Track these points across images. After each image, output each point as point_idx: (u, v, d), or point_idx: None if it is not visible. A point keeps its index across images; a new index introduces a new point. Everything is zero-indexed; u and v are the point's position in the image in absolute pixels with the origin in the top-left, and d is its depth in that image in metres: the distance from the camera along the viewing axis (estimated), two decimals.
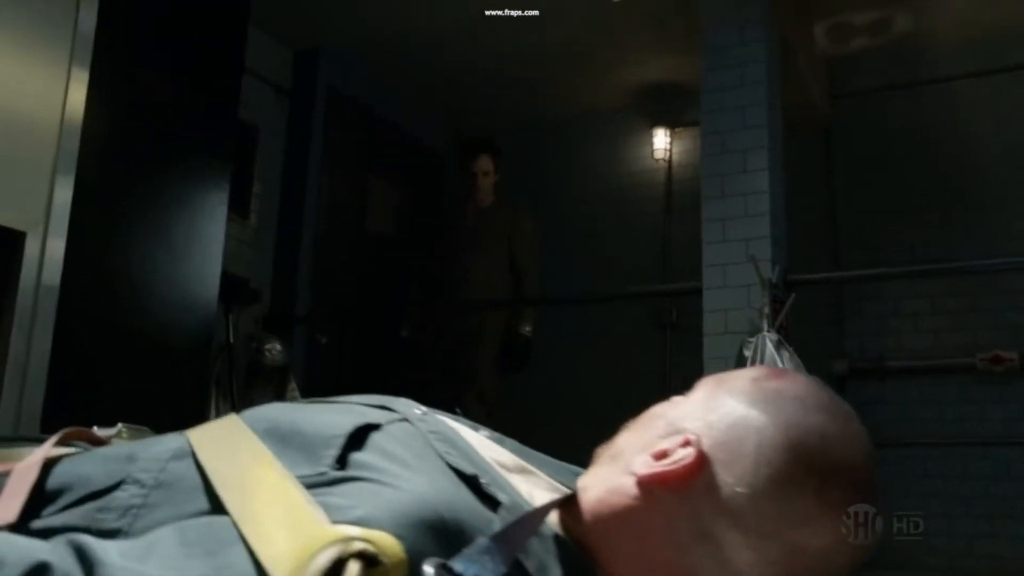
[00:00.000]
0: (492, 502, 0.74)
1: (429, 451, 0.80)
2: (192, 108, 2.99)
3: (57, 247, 2.41)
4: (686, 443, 0.78)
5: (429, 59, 4.79)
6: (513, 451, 0.92)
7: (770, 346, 2.82)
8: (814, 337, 3.84)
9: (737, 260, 3.32)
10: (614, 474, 0.82)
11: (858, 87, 4.76)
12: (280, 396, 4.04)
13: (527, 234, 4.55)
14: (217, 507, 0.72)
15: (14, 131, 2.33)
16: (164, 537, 0.68)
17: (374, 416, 0.83)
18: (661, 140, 5.25)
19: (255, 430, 0.83)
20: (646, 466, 0.79)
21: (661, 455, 0.79)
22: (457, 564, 0.62)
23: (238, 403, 3.80)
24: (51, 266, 2.38)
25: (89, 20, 2.52)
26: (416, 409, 0.90)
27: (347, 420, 0.81)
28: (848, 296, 4.60)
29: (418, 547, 0.62)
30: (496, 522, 0.71)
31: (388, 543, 0.61)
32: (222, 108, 3.13)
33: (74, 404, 2.43)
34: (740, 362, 2.87)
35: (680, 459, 0.77)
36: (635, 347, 4.94)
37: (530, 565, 0.71)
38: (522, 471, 0.88)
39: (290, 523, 0.64)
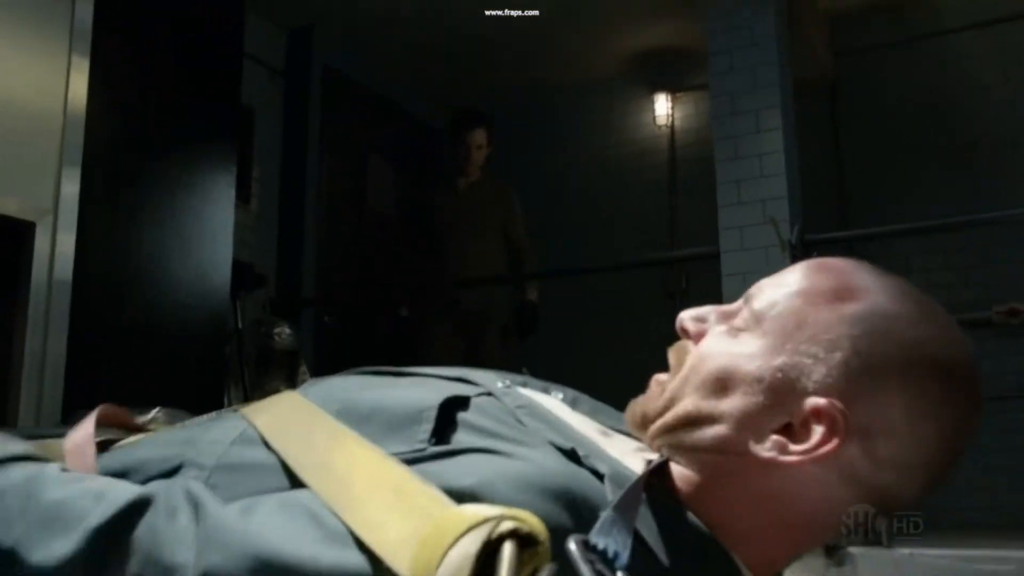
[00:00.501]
0: (594, 474, 0.69)
1: (522, 427, 0.76)
2: (193, 93, 2.94)
3: (67, 241, 2.37)
4: (817, 413, 0.70)
5: (422, 32, 4.71)
6: (589, 412, 0.88)
7: None
8: None
9: (753, 222, 3.28)
10: (717, 449, 0.73)
11: (862, 43, 4.69)
12: (292, 380, 4.01)
13: (518, 213, 4.47)
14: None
15: (18, 123, 2.29)
16: (263, 500, 0.66)
17: (459, 390, 0.79)
18: (662, 106, 5.19)
19: (326, 409, 0.78)
20: (782, 449, 0.71)
21: (786, 429, 0.72)
22: (599, 540, 0.58)
23: (250, 389, 3.77)
24: (62, 260, 2.35)
25: (86, 9, 2.48)
26: (499, 382, 0.85)
27: (433, 394, 0.76)
28: (857, 255, 4.51)
29: (552, 521, 0.56)
30: (607, 493, 0.67)
31: (534, 519, 0.53)
32: (223, 91, 3.08)
33: (92, 400, 2.38)
34: None
35: (825, 438, 0.70)
36: (644, 317, 4.86)
37: (646, 533, 0.66)
38: (603, 434, 0.83)
39: (405, 507, 0.58)
